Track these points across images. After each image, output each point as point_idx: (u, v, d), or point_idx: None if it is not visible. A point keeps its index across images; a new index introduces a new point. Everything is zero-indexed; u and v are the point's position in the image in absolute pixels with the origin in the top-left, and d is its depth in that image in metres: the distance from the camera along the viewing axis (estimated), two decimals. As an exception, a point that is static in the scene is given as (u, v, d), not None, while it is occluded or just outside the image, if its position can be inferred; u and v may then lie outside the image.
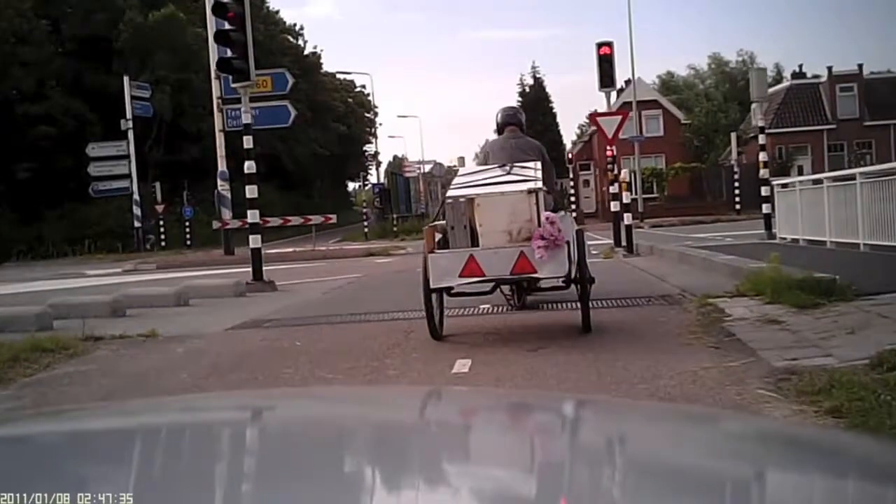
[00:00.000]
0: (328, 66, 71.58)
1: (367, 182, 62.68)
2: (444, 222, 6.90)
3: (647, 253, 15.64)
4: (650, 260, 14.52)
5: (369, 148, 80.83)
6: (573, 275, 6.76)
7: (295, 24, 69.99)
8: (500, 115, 8.19)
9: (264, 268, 12.96)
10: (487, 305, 8.45)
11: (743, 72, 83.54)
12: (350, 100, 78.95)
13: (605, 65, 15.76)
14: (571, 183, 45.43)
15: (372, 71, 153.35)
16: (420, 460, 1.24)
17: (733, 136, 42.17)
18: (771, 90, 52.11)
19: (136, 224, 37.64)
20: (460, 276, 6.46)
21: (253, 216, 12.72)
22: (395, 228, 42.41)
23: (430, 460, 1.24)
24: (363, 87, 79.91)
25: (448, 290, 6.84)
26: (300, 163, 61.25)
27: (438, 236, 6.87)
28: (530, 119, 46.45)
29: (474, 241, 6.60)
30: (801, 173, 48.01)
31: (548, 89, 54.20)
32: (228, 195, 23.80)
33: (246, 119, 12.84)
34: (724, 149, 51.19)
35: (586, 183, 52.45)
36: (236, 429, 1.56)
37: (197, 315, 9.86)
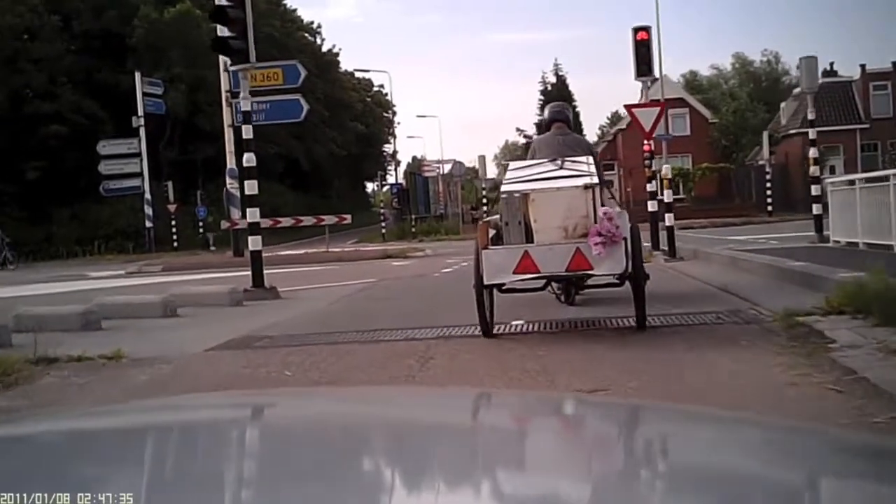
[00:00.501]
0: (347, 66, 70.63)
1: (385, 182, 61.33)
2: (496, 217, 6.92)
3: (690, 257, 14.20)
4: (696, 265, 13.08)
5: (388, 148, 79.91)
6: (629, 271, 6.63)
7: (313, 22, 69.07)
8: (547, 112, 8.23)
9: (270, 272, 11.73)
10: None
11: (767, 72, 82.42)
12: (368, 99, 77.97)
13: (643, 50, 14.29)
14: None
15: (391, 71, 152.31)
16: (424, 461, 1.23)
17: (765, 134, 40.56)
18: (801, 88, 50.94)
19: (148, 224, 36.60)
20: (514, 272, 6.48)
21: (252, 215, 11.40)
22: (413, 230, 41.13)
23: (434, 461, 1.23)
24: (381, 86, 78.98)
25: (500, 286, 6.82)
26: (317, 162, 60.18)
27: (492, 232, 6.87)
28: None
29: (528, 238, 6.58)
30: (833, 174, 46.75)
31: (570, 87, 52.60)
32: (238, 193, 22.52)
33: (245, 106, 11.55)
34: (751, 149, 49.66)
35: (610, 183, 50.58)
36: (237, 429, 1.56)
37: (180, 329, 8.53)
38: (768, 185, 36.73)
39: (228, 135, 22.63)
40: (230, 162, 22.57)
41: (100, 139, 37.30)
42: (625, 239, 6.48)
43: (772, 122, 50.85)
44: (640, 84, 14.97)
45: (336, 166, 66.68)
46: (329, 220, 23.27)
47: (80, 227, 39.96)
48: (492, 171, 62.30)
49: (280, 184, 55.49)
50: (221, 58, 22.34)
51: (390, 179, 59.84)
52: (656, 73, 14.72)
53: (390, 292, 11.60)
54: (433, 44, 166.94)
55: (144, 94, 36.45)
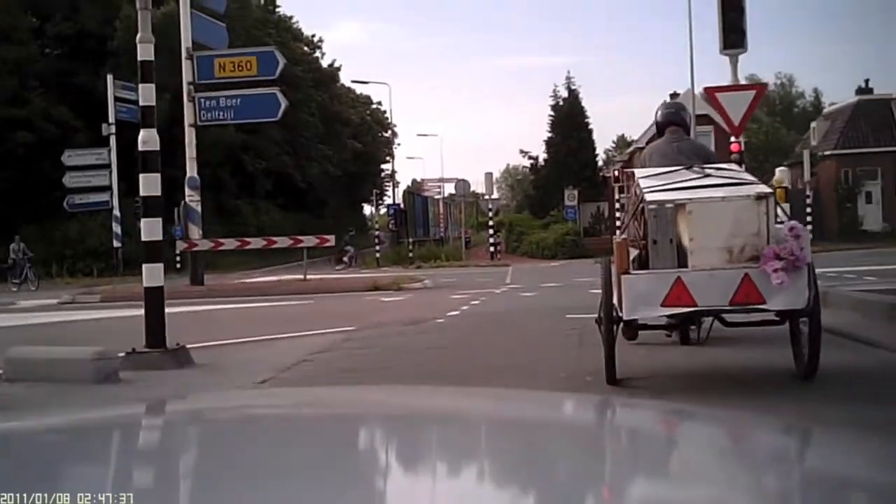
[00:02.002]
0: (347, 83, 67.10)
1: (380, 202, 57.76)
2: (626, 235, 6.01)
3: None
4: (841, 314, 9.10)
5: (386, 168, 76.42)
6: (810, 305, 5.45)
7: (314, 36, 65.75)
8: (659, 114, 7.28)
9: (224, 307, 8.01)
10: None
11: (781, 95, 79.24)
12: (368, 117, 74.73)
13: (732, 14, 10.50)
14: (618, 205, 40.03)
15: (394, 94, 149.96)
16: (423, 460, 1.24)
17: (806, 153, 36.75)
18: (835, 107, 47.35)
19: (116, 244, 33.01)
20: (664, 304, 5.46)
21: (152, 230, 7.40)
22: (410, 254, 37.43)
23: (434, 460, 1.24)
24: (379, 102, 75.68)
25: (634, 323, 5.85)
26: (310, 181, 56.54)
27: (633, 252, 5.79)
28: (563, 134, 41.13)
29: (680, 261, 5.54)
30: (869, 200, 43.14)
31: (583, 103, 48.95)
32: (198, 208, 18.76)
33: (145, 54, 7.66)
34: (771, 172, 45.94)
35: (623, 207, 47.03)
36: (236, 428, 1.56)
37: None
38: (808, 209, 32.60)
39: (189, 136, 18.89)
40: (190, 169, 18.77)
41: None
42: (808, 264, 5.47)
43: (799, 143, 47.19)
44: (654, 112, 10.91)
45: (331, 185, 63.34)
46: (308, 241, 19.44)
47: (48, 246, 36.17)
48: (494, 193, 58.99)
49: (269, 202, 51.97)
50: (183, 43, 18.71)
51: (388, 200, 56.18)
52: (747, 45, 10.76)
53: (368, 359, 7.65)
54: (438, 67, 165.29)
55: (117, 100, 33.31)
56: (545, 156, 48.74)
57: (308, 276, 19.61)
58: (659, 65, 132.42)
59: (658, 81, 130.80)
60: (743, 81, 11.96)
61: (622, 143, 75.59)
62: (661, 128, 7.10)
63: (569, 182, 44.35)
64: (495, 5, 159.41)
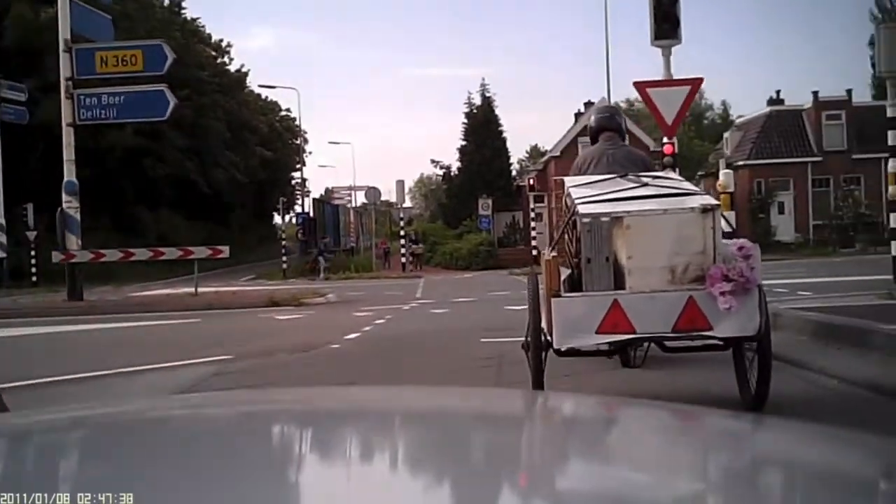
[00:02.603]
0: (256, 89, 65.13)
1: (289, 211, 56.01)
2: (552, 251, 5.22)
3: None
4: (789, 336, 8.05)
5: (298, 176, 74.52)
6: (761, 332, 4.85)
7: (221, 40, 63.57)
8: (592, 118, 6.64)
9: (90, 326, 6.46)
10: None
11: (696, 104, 79.94)
12: (277, 124, 72.81)
13: (665, 2, 9.32)
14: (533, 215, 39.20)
15: (307, 103, 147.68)
16: (422, 460, 1.24)
17: (722, 162, 36.33)
18: (747, 118, 47.40)
19: (1, 254, 30.69)
20: (599, 331, 4.86)
21: None
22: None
23: (432, 459, 1.23)
24: (288, 109, 73.90)
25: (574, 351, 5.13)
26: (216, 188, 54.38)
27: (565, 272, 5.13)
28: (477, 142, 40.20)
29: (618, 282, 4.93)
30: (782, 210, 43.16)
31: (498, 110, 48.03)
32: (77, 215, 16.96)
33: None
34: (692, 181, 45.63)
35: (539, 217, 46.57)
36: (237, 428, 1.55)
37: None
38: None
39: (68, 137, 17.09)
40: (68, 173, 17.00)
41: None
42: (759, 286, 4.87)
43: (712, 153, 47.10)
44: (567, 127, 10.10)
45: (239, 194, 61.29)
46: (199, 252, 17.79)
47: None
48: (407, 202, 57.91)
49: (171, 210, 49.75)
50: (61, 34, 16.96)
51: (299, 209, 54.35)
52: (682, 37, 9.60)
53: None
54: (353, 76, 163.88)
55: (1, 100, 30.75)
56: (459, 164, 47.83)
57: (200, 290, 17.98)
58: (573, 77, 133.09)
59: (572, 93, 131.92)
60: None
61: (535, 152, 75.21)
62: (594, 134, 6.45)
63: (483, 191, 43.45)
64: (409, 16, 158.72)
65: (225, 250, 17.94)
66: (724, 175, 9.35)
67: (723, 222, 5.17)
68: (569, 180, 5.76)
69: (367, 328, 11.03)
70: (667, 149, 9.77)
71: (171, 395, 5.90)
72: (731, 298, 4.76)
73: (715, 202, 5.07)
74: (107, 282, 28.56)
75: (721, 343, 5.12)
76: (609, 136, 6.34)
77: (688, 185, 5.50)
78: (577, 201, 5.18)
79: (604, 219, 4.98)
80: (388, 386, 4.82)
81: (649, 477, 1.14)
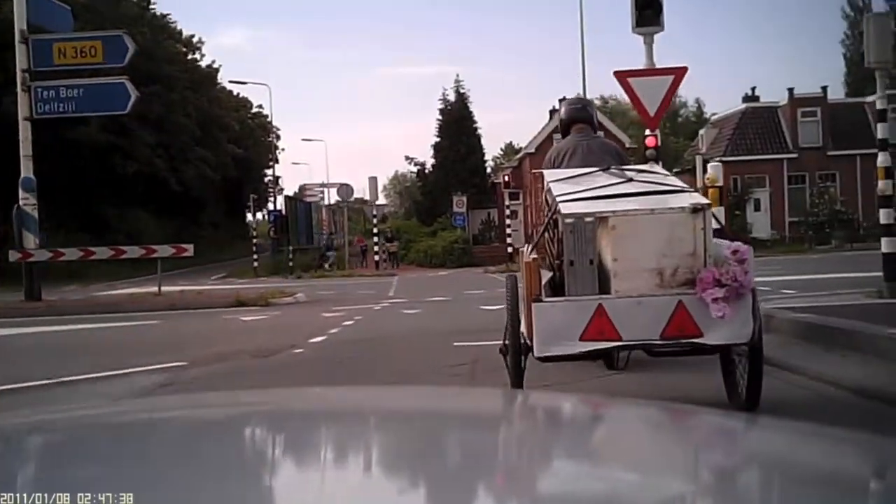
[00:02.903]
0: (229, 87, 64.30)
1: (261, 209, 55.25)
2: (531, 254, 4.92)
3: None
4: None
5: (271, 174, 73.74)
6: (755, 338, 4.59)
7: (193, 36, 62.69)
8: (563, 111, 6.36)
9: (47, 329, 6.81)
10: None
11: (671, 100, 79.77)
12: (250, 121, 71.98)
13: (649, -11, 8.85)
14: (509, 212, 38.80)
15: (281, 101, 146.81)
16: (422, 460, 1.23)
17: (699, 158, 35.99)
18: (723, 115, 47.18)
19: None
20: (583, 338, 4.56)
21: None
22: (290, 263, 35.25)
23: (430, 459, 1.23)
24: (261, 106, 73.08)
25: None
26: (187, 185, 53.57)
27: (545, 275, 4.82)
28: (451, 139, 39.70)
29: (602, 286, 4.65)
30: (758, 207, 42.96)
31: (472, 106, 47.54)
32: (35, 213, 16.30)
33: None
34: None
35: (514, 214, 46.15)
36: (237, 428, 1.54)
37: None
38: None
39: (24, 131, 16.42)
40: (25, 170, 16.33)
41: None
42: (753, 290, 4.59)
43: (688, 150, 46.85)
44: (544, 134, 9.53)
45: (210, 191, 60.51)
46: (162, 251, 17.15)
47: None
48: (381, 200, 57.49)
49: (141, 208, 48.91)
50: (17, 24, 16.32)
51: (272, 207, 53.46)
52: (664, 24, 9.13)
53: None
54: (327, 75, 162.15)
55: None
56: (433, 161, 47.33)
57: (165, 290, 17.38)
58: (547, 75, 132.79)
59: (546, 91, 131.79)
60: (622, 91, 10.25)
61: (510, 150, 74.81)
62: (565, 126, 6.27)
63: (458, 188, 42.96)
64: (383, 14, 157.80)
65: (189, 248, 17.33)
66: (713, 168, 8.81)
67: (713, 220, 4.89)
68: (548, 174, 5.46)
69: (334, 330, 10.50)
70: (649, 141, 9.30)
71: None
72: (725, 305, 4.49)
73: (705, 201, 4.80)
74: (73, 281, 27.90)
75: (710, 347, 4.80)
76: (581, 127, 6.15)
77: (675, 181, 5.20)
78: (558, 199, 4.89)
79: (588, 219, 4.69)
80: (375, 386, 4.69)
81: (633, 476, 1.13)
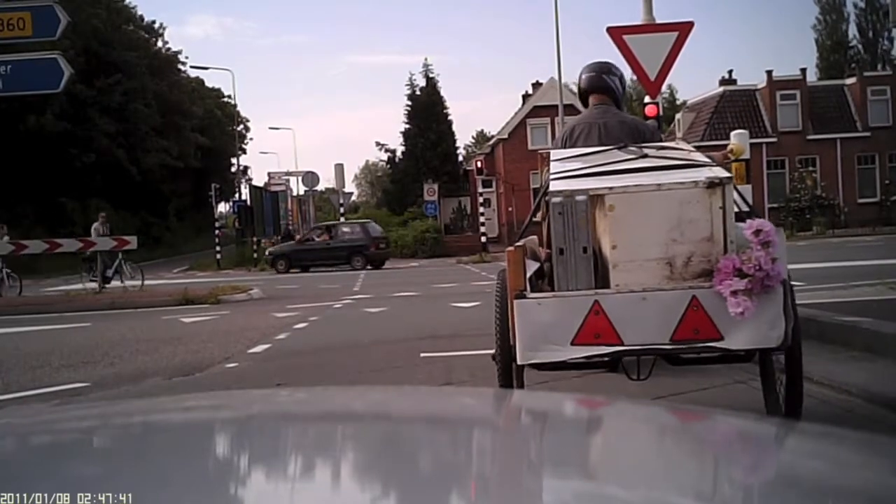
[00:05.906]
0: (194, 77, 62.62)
1: (229, 199, 53.59)
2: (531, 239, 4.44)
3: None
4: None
5: (238, 163, 72.07)
6: (788, 342, 3.82)
7: (154, 21, 60.84)
8: (582, 79, 5.23)
9: None
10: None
11: (638, 90, 78.92)
12: (216, 110, 70.19)
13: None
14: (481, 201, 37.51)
15: (249, 89, 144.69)
16: (420, 459, 1.22)
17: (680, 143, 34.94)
18: (699, 98, 46.10)
19: None
20: (576, 342, 3.85)
21: None
22: (255, 255, 33.76)
23: (429, 460, 1.22)
24: (229, 96, 71.30)
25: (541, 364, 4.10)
26: (149, 176, 51.84)
27: (532, 266, 4.06)
28: (421, 125, 38.17)
29: (601, 277, 3.96)
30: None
31: (442, 92, 46.07)
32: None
33: None
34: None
35: (487, 202, 44.83)
36: (237, 428, 1.52)
37: None
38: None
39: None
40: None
41: None
42: (784, 282, 3.76)
43: (665, 134, 45.76)
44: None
45: (174, 181, 58.78)
46: (102, 244, 15.60)
47: None
48: (349, 188, 56.07)
49: (101, 200, 47.12)
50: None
51: (239, 198, 51.82)
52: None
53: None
54: (295, 63, 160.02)
55: None
56: (403, 148, 45.90)
57: (110, 286, 15.88)
58: (520, 60, 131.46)
59: (520, 77, 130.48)
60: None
61: (482, 138, 73.52)
62: (583, 97, 5.28)
63: (428, 176, 41.55)
64: (351, 2, 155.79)
65: (132, 241, 15.81)
66: (737, 136, 7.31)
67: (736, 199, 4.07)
68: (554, 153, 4.67)
69: (282, 336, 9.08)
70: (649, 110, 7.96)
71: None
72: (746, 300, 3.74)
73: (726, 174, 4.01)
74: (32, 275, 26.42)
75: (742, 354, 4.12)
76: (600, 99, 5.13)
77: (699, 156, 4.31)
78: (551, 177, 4.21)
79: (579, 197, 3.92)
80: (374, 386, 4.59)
81: (632, 480, 1.11)
